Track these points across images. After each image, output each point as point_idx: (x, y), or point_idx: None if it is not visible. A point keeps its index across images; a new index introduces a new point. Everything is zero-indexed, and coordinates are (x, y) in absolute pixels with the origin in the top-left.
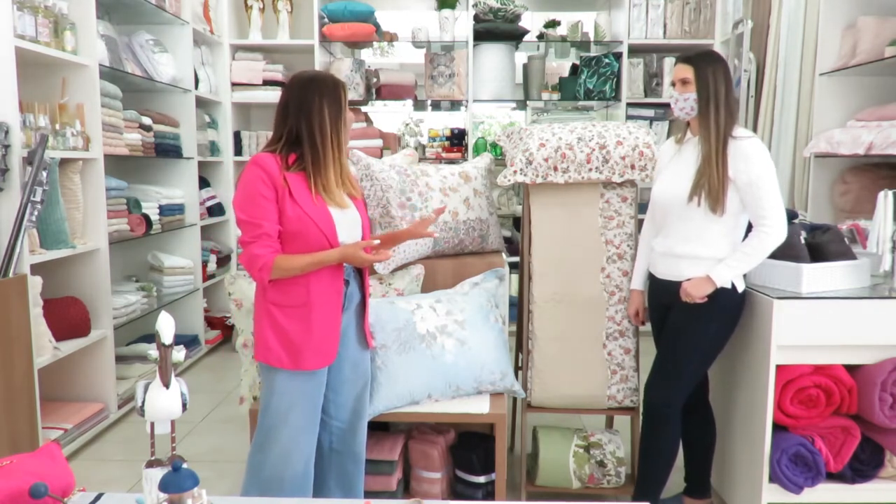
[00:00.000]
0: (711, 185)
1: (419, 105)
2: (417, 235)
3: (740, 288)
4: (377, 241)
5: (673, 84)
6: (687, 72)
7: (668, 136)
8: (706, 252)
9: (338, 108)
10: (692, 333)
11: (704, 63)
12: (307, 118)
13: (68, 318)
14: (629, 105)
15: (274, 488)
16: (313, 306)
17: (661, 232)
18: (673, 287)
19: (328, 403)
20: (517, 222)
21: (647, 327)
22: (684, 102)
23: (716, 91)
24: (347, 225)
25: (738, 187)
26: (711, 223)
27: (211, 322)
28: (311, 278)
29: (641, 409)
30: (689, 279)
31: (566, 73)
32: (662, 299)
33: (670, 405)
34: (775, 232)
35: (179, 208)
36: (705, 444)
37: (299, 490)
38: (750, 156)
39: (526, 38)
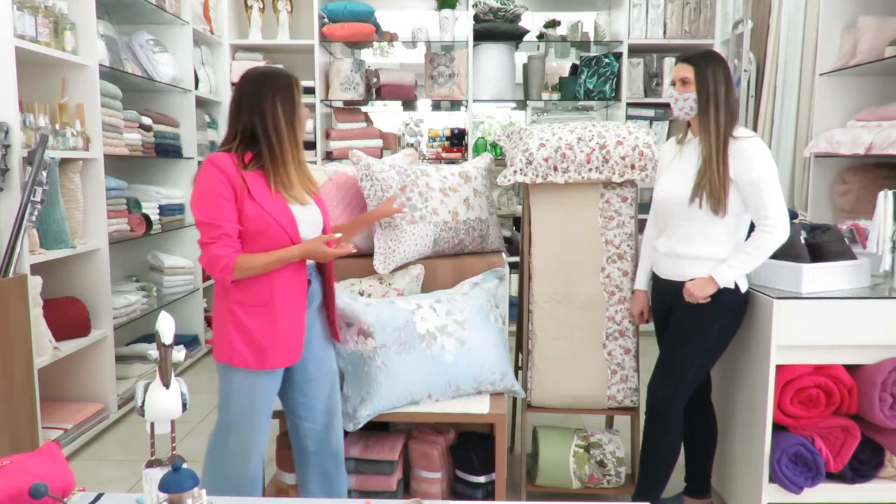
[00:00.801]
0: (712, 186)
1: (408, 105)
2: (386, 214)
3: (743, 287)
4: (339, 235)
5: (673, 84)
6: (687, 71)
7: (668, 136)
8: (709, 252)
9: (292, 104)
10: (695, 333)
11: (705, 63)
12: (261, 116)
13: (68, 318)
14: (629, 105)
15: (231, 486)
16: (277, 304)
17: (663, 232)
18: (676, 287)
19: (298, 406)
20: (517, 222)
21: (648, 327)
22: (684, 102)
23: (716, 91)
24: (309, 222)
25: (740, 188)
26: (713, 224)
27: (211, 322)
28: (274, 276)
29: (644, 409)
30: (692, 279)
31: (566, 73)
32: (665, 299)
33: (673, 405)
34: (778, 232)
35: (179, 208)
36: (706, 443)
37: (253, 487)
38: (751, 156)
39: (526, 38)
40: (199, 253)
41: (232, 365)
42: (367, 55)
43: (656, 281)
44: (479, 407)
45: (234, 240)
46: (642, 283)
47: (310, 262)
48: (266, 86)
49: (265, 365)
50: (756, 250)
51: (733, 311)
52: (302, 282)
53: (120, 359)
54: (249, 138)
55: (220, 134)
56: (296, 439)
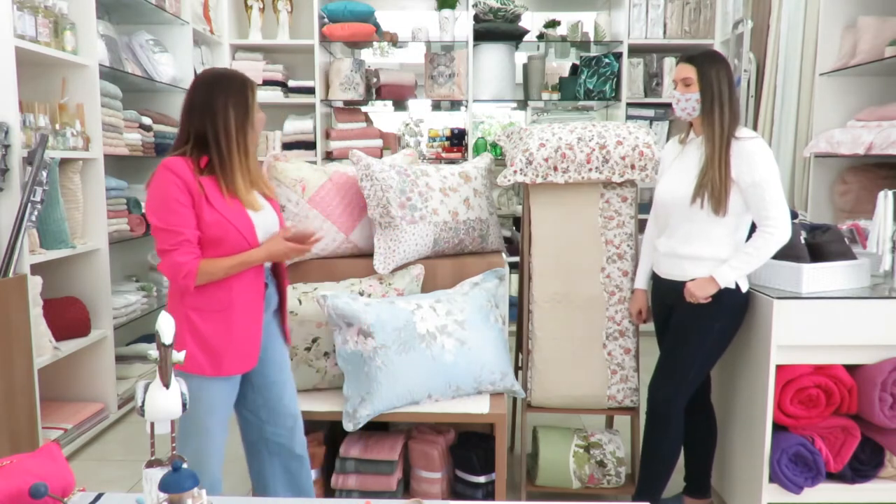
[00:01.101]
0: (714, 186)
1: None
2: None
3: (744, 287)
4: (293, 228)
5: (674, 84)
6: (689, 72)
7: (669, 135)
8: (709, 252)
9: (244, 109)
10: (696, 333)
11: (708, 63)
12: (211, 119)
13: (68, 318)
14: (629, 105)
15: None
16: (235, 310)
17: (664, 232)
18: (677, 287)
19: (260, 409)
20: (517, 222)
21: (648, 327)
22: (686, 103)
23: (719, 91)
24: (265, 226)
25: (742, 188)
26: (714, 224)
27: None
28: (233, 282)
29: (644, 409)
30: (692, 279)
31: (566, 73)
32: (666, 299)
33: (673, 405)
34: (779, 232)
35: None
36: (706, 443)
37: (212, 493)
38: (753, 156)
39: (526, 38)
40: (159, 261)
41: (188, 372)
42: (367, 55)
43: (657, 281)
44: (479, 407)
45: (194, 246)
46: (642, 282)
47: (266, 265)
48: (219, 89)
49: (221, 371)
50: (757, 251)
51: (734, 311)
52: (259, 286)
53: (120, 359)
54: (201, 142)
55: None
56: (254, 441)
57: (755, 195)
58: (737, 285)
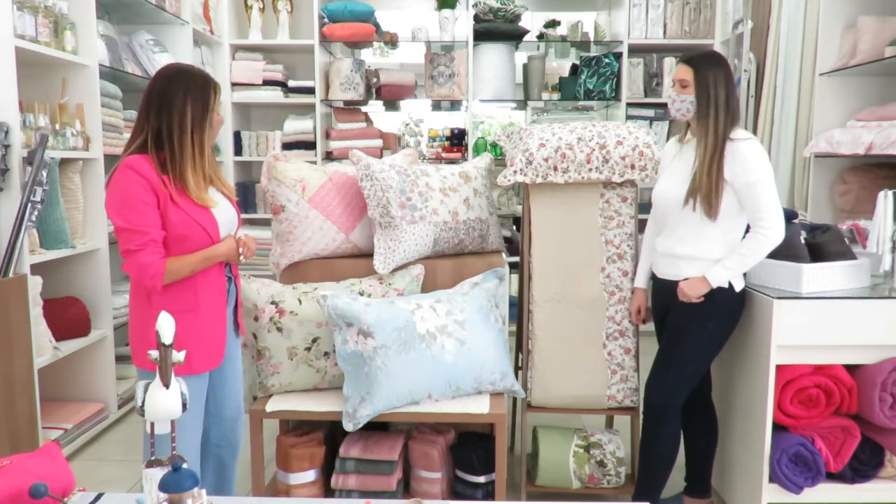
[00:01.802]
0: (706, 190)
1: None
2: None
3: (738, 287)
4: (246, 235)
5: (673, 84)
6: (686, 73)
7: (668, 136)
8: (703, 253)
9: (203, 106)
10: (690, 333)
11: (705, 65)
12: (168, 115)
13: (68, 318)
14: (629, 105)
15: None
16: (201, 310)
17: (661, 232)
18: (672, 287)
19: (210, 404)
20: (517, 222)
21: (649, 327)
22: (681, 104)
23: (716, 94)
24: (225, 223)
25: (735, 189)
26: (708, 225)
27: None
28: (199, 281)
29: (641, 409)
30: (686, 279)
31: (566, 73)
32: (663, 299)
33: (670, 404)
34: (772, 234)
35: None
36: (707, 442)
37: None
38: (747, 158)
39: (526, 38)
40: (124, 261)
41: (153, 371)
42: (367, 55)
43: (655, 281)
44: (479, 407)
45: (160, 246)
46: (641, 281)
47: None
48: (178, 84)
49: (191, 370)
50: (750, 251)
51: (728, 310)
52: (222, 284)
53: (120, 359)
54: (157, 137)
55: (220, 134)
56: (203, 433)
57: (749, 196)
58: (730, 284)
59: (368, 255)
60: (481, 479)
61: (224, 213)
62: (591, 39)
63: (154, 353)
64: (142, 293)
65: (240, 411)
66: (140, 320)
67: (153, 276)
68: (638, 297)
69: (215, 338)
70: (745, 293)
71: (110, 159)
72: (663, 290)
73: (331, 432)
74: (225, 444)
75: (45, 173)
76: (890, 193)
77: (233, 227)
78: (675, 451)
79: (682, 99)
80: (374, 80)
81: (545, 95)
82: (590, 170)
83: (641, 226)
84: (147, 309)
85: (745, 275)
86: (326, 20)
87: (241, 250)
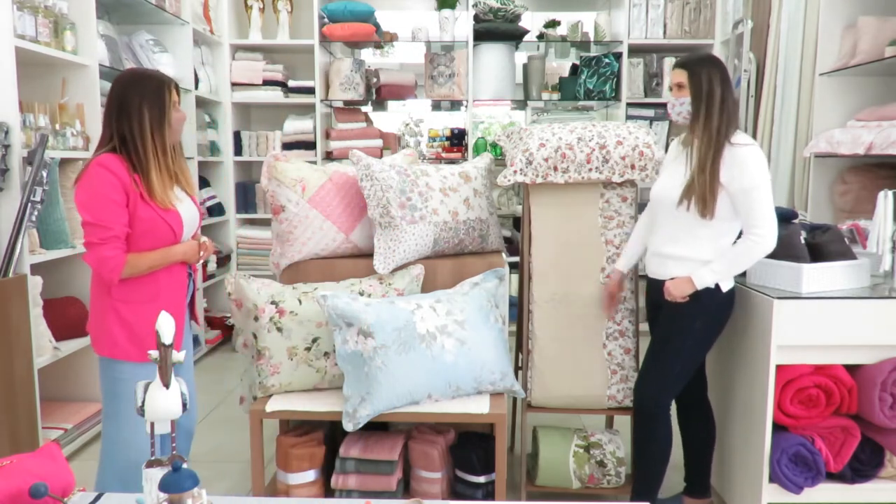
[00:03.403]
0: (701, 191)
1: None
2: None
3: (725, 288)
4: (205, 240)
5: (671, 88)
6: (681, 76)
7: (669, 135)
8: (692, 254)
9: (160, 109)
10: (677, 332)
11: (699, 68)
12: (127, 120)
13: (68, 318)
14: (629, 105)
15: (131, 475)
16: (161, 301)
17: (654, 230)
18: (661, 286)
19: None
20: (517, 222)
21: (648, 326)
22: (680, 107)
23: (709, 96)
24: (188, 221)
25: (730, 193)
26: (700, 226)
27: (211, 322)
28: (160, 275)
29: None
30: (672, 278)
31: (566, 73)
32: (654, 298)
33: (659, 403)
34: (763, 242)
35: None
36: (705, 443)
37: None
38: (745, 163)
39: (526, 38)
40: (85, 252)
41: (114, 358)
42: (367, 55)
43: (647, 280)
44: (479, 407)
45: (122, 241)
46: (622, 263)
47: None
48: (133, 90)
49: (148, 357)
50: (738, 257)
51: (714, 309)
52: (183, 278)
53: None
54: (121, 141)
55: (219, 134)
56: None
57: (744, 202)
58: (717, 285)
59: (368, 255)
60: (481, 479)
61: (187, 211)
62: (591, 39)
63: (154, 353)
64: (102, 285)
65: (193, 400)
66: (99, 309)
67: (112, 269)
68: (612, 281)
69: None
70: (734, 293)
71: None
72: (653, 289)
73: (331, 432)
74: (182, 434)
75: (45, 173)
76: (890, 193)
77: (195, 225)
78: (669, 449)
79: (681, 102)
80: (374, 80)
81: (545, 95)
82: (590, 170)
83: None
84: (106, 297)
85: (741, 274)
86: (326, 20)
87: (201, 253)
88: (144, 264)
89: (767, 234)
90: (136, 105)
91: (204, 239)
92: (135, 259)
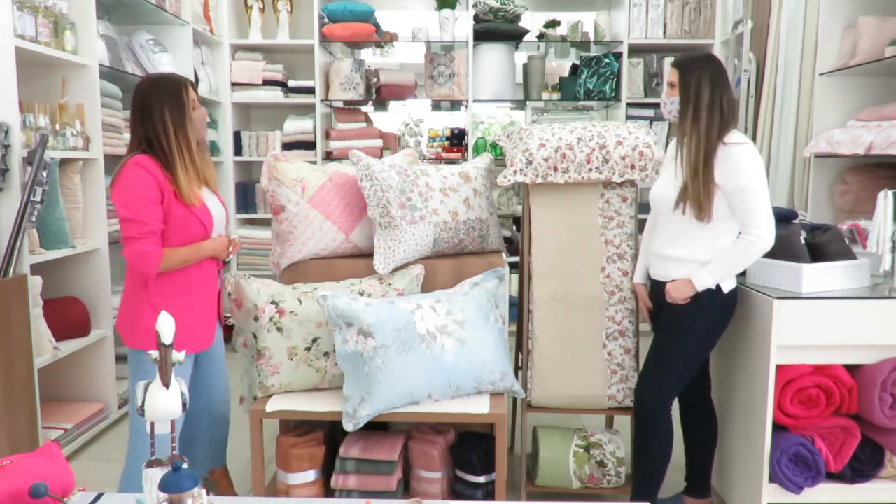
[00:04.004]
0: (696, 195)
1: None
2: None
3: (726, 288)
4: (235, 238)
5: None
6: (673, 75)
7: (668, 136)
8: (691, 255)
9: (180, 110)
10: (678, 333)
11: (689, 68)
12: (151, 123)
13: (68, 318)
14: (629, 105)
15: None
16: (193, 294)
17: (655, 231)
18: (663, 287)
19: (199, 385)
20: (517, 222)
21: (648, 326)
22: (671, 106)
23: (697, 96)
24: (217, 217)
25: (726, 193)
26: (698, 228)
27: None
28: (192, 270)
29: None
30: (673, 280)
31: (566, 73)
32: (656, 299)
33: (660, 404)
34: (761, 241)
35: None
36: (706, 443)
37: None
38: (740, 162)
39: (526, 38)
40: (123, 247)
41: (147, 350)
42: (367, 55)
43: (651, 282)
44: (479, 407)
45: (158, 237)
46: (638, 276)
47: None
48: (152, 95)
49: (182, 349)
50: (736, 257)
51: (715, 310)
52: (214, 273)
53: (120, 359)
54: (148, 143)
55: (219, 134)
56: (197, 411)
57: (740, 202)
58: (718, 286)
59: (368, 255)
60: (481, 479)
61: (215, 208)
62: (591, 39)
63: (154, 353)
64: (138, 277)
65: (227, 389)
66: (135, 303)
67: (150, 263)
68: (639, 293)
69: (205, 322)
70: (736, 293)
71: (110, 159)
72: (656, 291)
73: (331, 432)
74: (222, 421)
75: (45, 173)
76: (890, 193)
77: (222, 222)
78: (669, 450)
79: (672, 100)
80: (374, 80)
81: (545, 95)
82: (590, 170)
83: (641, 226)
84: (143, 292)
85: (741, 274)
86: (326, 20)
87: (230, 249)
88: (178, 259)
89: (765, 233)
90: (158, 108)
91: (234, 236)
92: (169, 254)
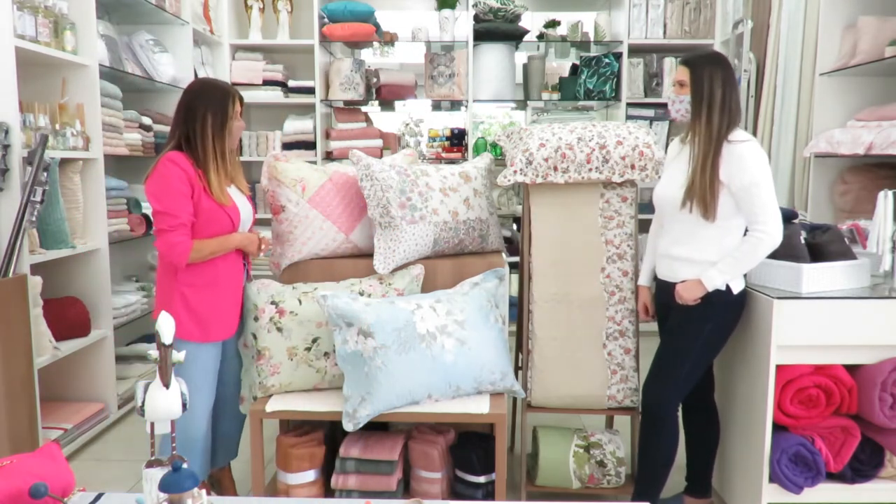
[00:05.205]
0: (701, 193)
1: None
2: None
3: (736, 289)
4: (264, 235)
5: (673, 85)
6: (684, 74)
7: (669, 136)
8: (699, 255)
9: (223, 117)
10: (687, 334)
11: (702, 66)
12: (192, 124)
13: (68, 318)
14: (629, 105)
15: (188, 448)
16: (220, 284)
17: (661, 232)
18: (671, 288)
19: (224, 372)
20: (517, 222)
21: (648, 327)
22: (680, 104)
23: (710, 95)
24: (246, 214)
25: (732, 192)
26: (704, 227)
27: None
28: (219, 261)
29: (640, 409)
30: (682, 281)
31: (566, 73)
32: (664, 300)
33: (667, 405)
34: (769, 237)
35: None
36: (708, 443)
37: (206, 446)
38: (745, 160)
39: (526, 38)
40: (155, 239)
41: (180, 339)
42: (367, 55)
43: (657, 282)
44: (479, 407)
45: (188, 229)
46: (644, 279)
47: None
48: (200, 99)
49: (209, 338)
50: (744, 255)
51: (725, 311)
52: (240, 265)
53: (120, 359)
54: (186, 142)
55: None
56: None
57: (746, 199)
58: (728, 286)
59: (368, 255)
60: (481, 479)
61: (243, 206)
62: (591, 39)
63: (154, 354)
64: (169, 268)
65: (241, 386)
66: (167, 292)
67: (180, 254)
68: (640, 294)
69: (231, 311)
70: (745, 294)
71: (110, 159)
72: (663, 291)
73: (331, 432)
74: (232, 412)
75: (45, 173)
76: (890, 193)
77: (249, 219)
78: (674, 453)
79: (681, 99)
80: (374, 80)
81: (545, 95)
82: (590, 170)
83: (641, 226)
84: (173, 282)
85: (745, 276)
86: (326, 20)
87: (262, 246)
88: (207, 250)
89: (772, 230)
90: (202, 112)
91: (263, 234)
92: (199, 245)
